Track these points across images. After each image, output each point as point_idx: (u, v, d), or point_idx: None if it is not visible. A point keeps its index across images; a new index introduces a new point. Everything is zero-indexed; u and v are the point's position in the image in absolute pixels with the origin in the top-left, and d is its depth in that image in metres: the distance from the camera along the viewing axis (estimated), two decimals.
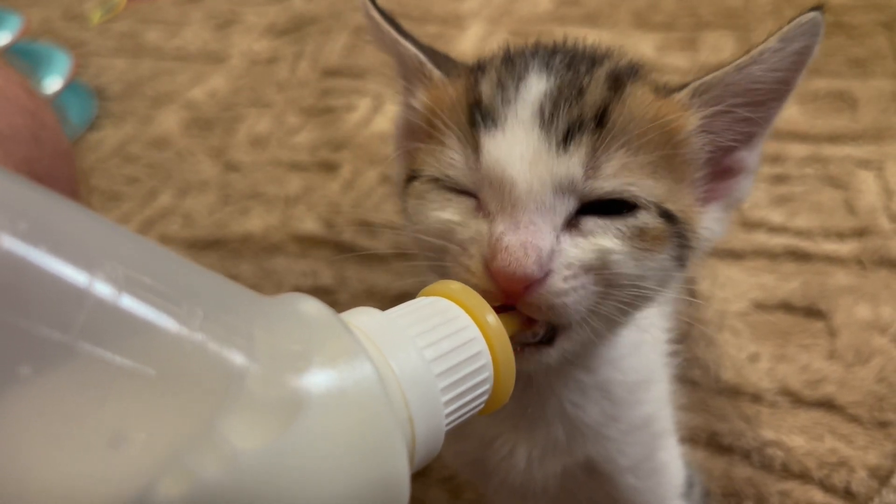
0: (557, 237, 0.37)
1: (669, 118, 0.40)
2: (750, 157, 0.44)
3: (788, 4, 1.29)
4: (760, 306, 0.85)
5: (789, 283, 0.87)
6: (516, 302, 0.36)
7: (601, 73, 0.41)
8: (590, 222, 0.38)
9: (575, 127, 0.37)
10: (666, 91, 0.42)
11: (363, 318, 0.28)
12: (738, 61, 0.41)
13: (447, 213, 0.40)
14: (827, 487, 0.69)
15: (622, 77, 0.41)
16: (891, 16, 1.26)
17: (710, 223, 0.43)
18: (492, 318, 0.31)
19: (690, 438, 0.73)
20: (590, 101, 0.39)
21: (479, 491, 0.70)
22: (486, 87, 0.40)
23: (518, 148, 0.37)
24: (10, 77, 0.56)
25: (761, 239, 0.93)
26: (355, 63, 1.36)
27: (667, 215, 0.39)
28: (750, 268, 0.90)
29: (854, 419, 0.73)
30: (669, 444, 0.56)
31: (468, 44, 1.37)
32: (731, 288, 0.88)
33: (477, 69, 0.44)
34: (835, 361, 0.79)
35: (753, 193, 0.98)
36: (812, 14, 0.40)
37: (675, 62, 1.25)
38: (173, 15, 1.60)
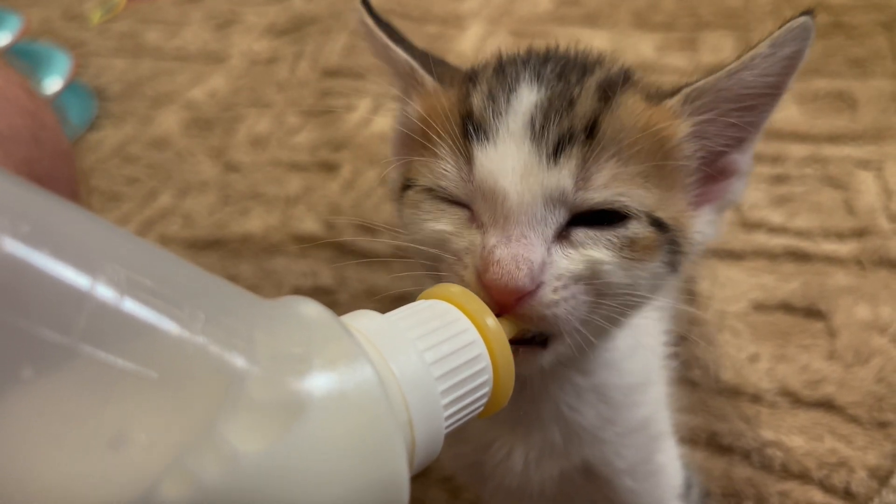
0: (548, 249, 0.37)
1: (660, 126, 0.40)
2: (742, 159, 0.45)
3: (788, 4, 1.29)
4: (760, 307, 0.86)
5: (789, 284, 0.87)
6: (508, 312, 0.37)
7: (592, 83, 0.41)
8: (580, 233, 0.38)
9: (565, 139, 0.38)
10: (657, 97, 0.42)
11: (363, 321, 0.28)
12: (729, 67, 0.41)
13: (441, 223, 0.40)
14: (827, 488, 0.69)
15: (613, 86, 0.41)
16: (891, 16, 1.26)
17: (703, 226, 0.43)
18: (491, 321, 0.31)
19: (690, 439, 0.73)
20: (580, 113, 0.39)
21: (477, 492, 0.70)
22: (478, 100, 0.41)
23: (509, 161, 0.38)
24: (10, 77, 0.56)
25: (761, 239, 0.93)
26: (355, 63, 1.36)
27: (658, 224, 0.39)
28: (750, 268, 0.90)
29: (854, 419, 0.74)
30: (667, 446, 0.56)
31: (468, 44, 1.36)
32: (731, 288, 0.88)
33: (469, 79, 0.44)
34: (834, 362, 0.79)
35: (753, 194, 0.99)
36: (802, 19, 0.40)
37: (675, 62, 1.25)
38: (173, 15, 1.60)
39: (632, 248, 0.38)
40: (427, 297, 0.32)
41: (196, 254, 1.03)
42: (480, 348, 0.30)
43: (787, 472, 0.71)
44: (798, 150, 1.04)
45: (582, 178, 0.38)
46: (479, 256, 0.37)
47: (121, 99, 1.37)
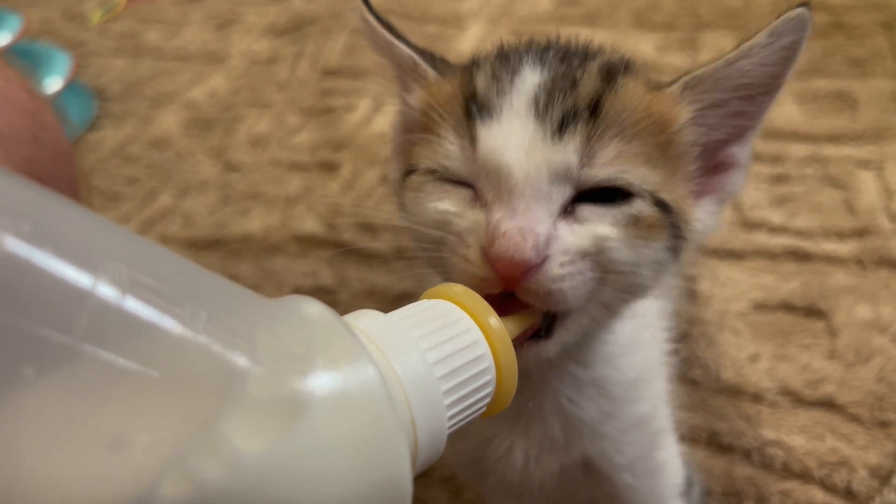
0: (554, 223, 0.37)
1: (662, 110, 0.41)
2: (741, 152, 0.45)
3: (788, 4, 1.29)
4: (761, 306, 0.86)
5: (789, 283, 0.87)
6: (514, 288, 0.37)
7: (594, 66, 0.42)
8: (585, 210, 0.38)
9: (569, 116, 0.38)
10: (657, 86, 0.43)
11: (366, 321, 0.28)
12: (728, 56, 0.41)
13: (444, 203, 0.40)
14: (828, 487, 0.69)
15: (614, 70, 0.42)
16: (891, 16, 1.26)
17: (703, 217, 0.44)
18: (494, 321, 0.31)
19: (691, 438, 0.73)
20: (583, 92, 0.39)
21: (477, 490, 0.70)
22: (481, 81, 0.41)
23: (514, 137, 0.38)
24: (10, 77, 0.55)
25: (761, 239, 0.93)
26: (355, 63, 1.36)
27: (661, 204, 0.39)
28: (750, 268, 0.90)
29: (854, 419, 0.74)
30: (668, 443, 0.56)
31: (468, 44, 1.37)
32: (732, 288, 0.88)
33: (472, 65, 0.44)
34: (835, 361, 0.79)
35: (754, 193, 0.99)
36: (799, 10, 0.40)
37: (675, 62, 1.25)
38: (173, 15, 1.60)
39: (636, 226, 0.38)
40: (430, 297, 0.32)
41: (196, 254, 1.03)
42: (483, 348, 0.30)
43: (787, 472, 0.71)
44: (798, 149, 1.04)
45: (586, 155, 0.38)
46: (484, 232, 0.37)
47: (121, 99, 1.37)
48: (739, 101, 0.43)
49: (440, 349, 0.29)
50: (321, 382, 0.24)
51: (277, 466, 0.22)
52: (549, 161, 0.37)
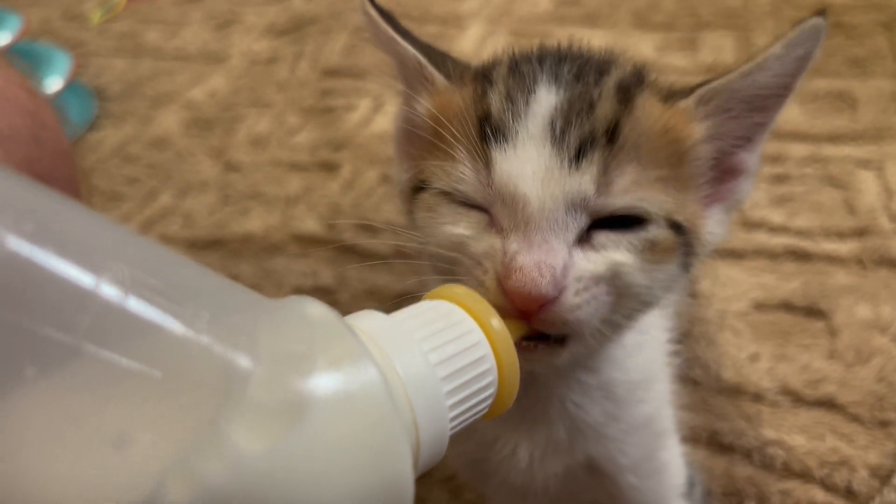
0: (570, 252, 0.37)
1: (678, 130, 0.40)
2: (750, 158, 0.45)
3: (788, 4, 1.29)
4: (761, 306, 0.86)
5: (790, 283, 0.87)
6: (530, 319, 0.36)
7: (610, 85, 0.41)
8: (601, 237, 0.38)
9: (587, 143, 0.37)
10: (672, 97, 0.42)
11: (367, 321, 0.28)
12: (743, 68, 0.41)
13: (459, 227, 0.39)
14: (828, 487, 0.69)
15: (631, 88, 0.41)
16: (891, 16, 1.26)
17: (713, 226, 0.43)
18: (496, 322, 0.31)
19: (691, 437, 0.73)
20: (601, 116, 0.38)
21: (478, 491, 0.70)
22: (495, 100, 0.40)
23: (530, 165, 0.37)
24: (11, 77, 0.55)
25: (762, 239, 0.93)
26: (355, 63, 1.36)
27: (675, 226, 0.39)
28: (750, 268, 0.90)
29: (855, 418, 0.74)
30: (670, 443, 0.56)
31: (468, 44, 1.37)
32: (732, 288, 0.88)
33: (483, 77, 0.43)
34: (835, 361, 0.79)
35: (754, 193, 0.98)
36: (815, 20, 0.40)
37: (675, 62, 1.25)
38: (173, 15, 1.60)
39: (652, 251, 0.38)
40: (431, 298, 0.32)
41: (196, 254, 1.03)
42: (485, 349, 0.30)
43: (788, 471, 0.71)
44: (798, 149, 1.04)
45: (603, 184, 0.37)
46: (501, 263, 0.36)
47: (121, 99, 1.37)
48: (752, 112, 0.42)
49: (442, 350, 0.28)
50: (323, 383, 0.24)
51: (279, 466, 0.22)
52: (566, 191, 0.37)
